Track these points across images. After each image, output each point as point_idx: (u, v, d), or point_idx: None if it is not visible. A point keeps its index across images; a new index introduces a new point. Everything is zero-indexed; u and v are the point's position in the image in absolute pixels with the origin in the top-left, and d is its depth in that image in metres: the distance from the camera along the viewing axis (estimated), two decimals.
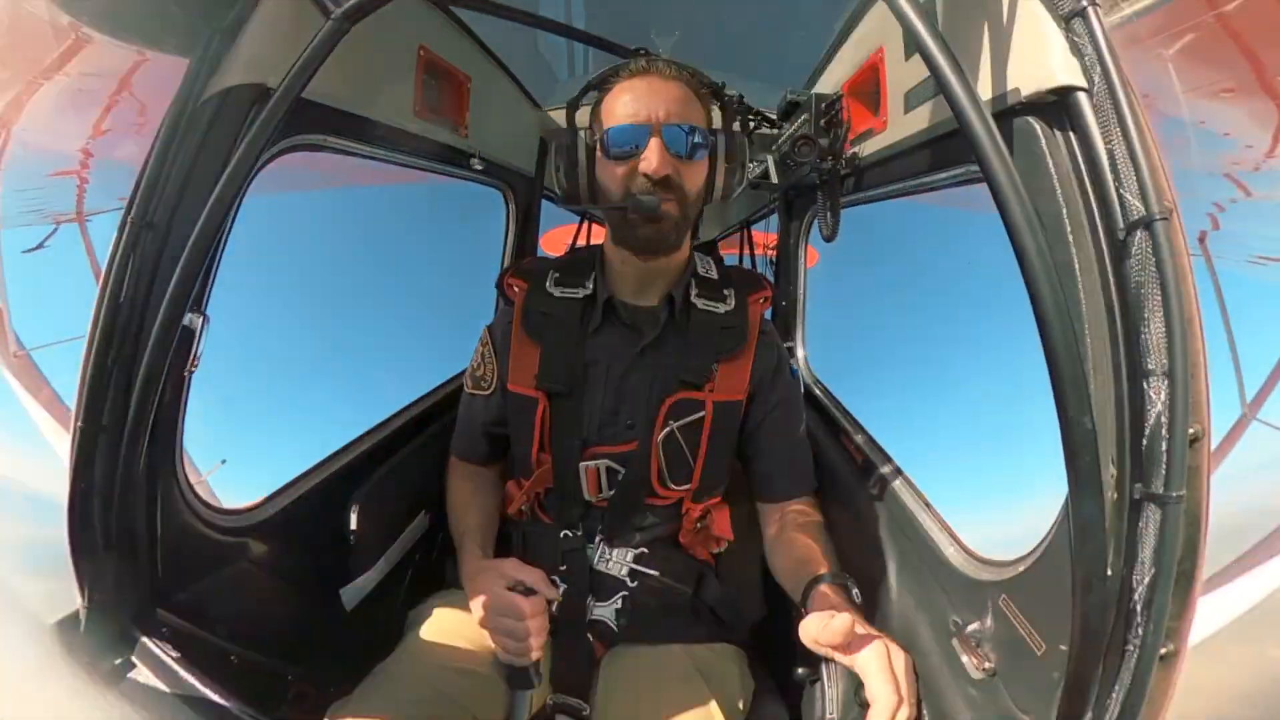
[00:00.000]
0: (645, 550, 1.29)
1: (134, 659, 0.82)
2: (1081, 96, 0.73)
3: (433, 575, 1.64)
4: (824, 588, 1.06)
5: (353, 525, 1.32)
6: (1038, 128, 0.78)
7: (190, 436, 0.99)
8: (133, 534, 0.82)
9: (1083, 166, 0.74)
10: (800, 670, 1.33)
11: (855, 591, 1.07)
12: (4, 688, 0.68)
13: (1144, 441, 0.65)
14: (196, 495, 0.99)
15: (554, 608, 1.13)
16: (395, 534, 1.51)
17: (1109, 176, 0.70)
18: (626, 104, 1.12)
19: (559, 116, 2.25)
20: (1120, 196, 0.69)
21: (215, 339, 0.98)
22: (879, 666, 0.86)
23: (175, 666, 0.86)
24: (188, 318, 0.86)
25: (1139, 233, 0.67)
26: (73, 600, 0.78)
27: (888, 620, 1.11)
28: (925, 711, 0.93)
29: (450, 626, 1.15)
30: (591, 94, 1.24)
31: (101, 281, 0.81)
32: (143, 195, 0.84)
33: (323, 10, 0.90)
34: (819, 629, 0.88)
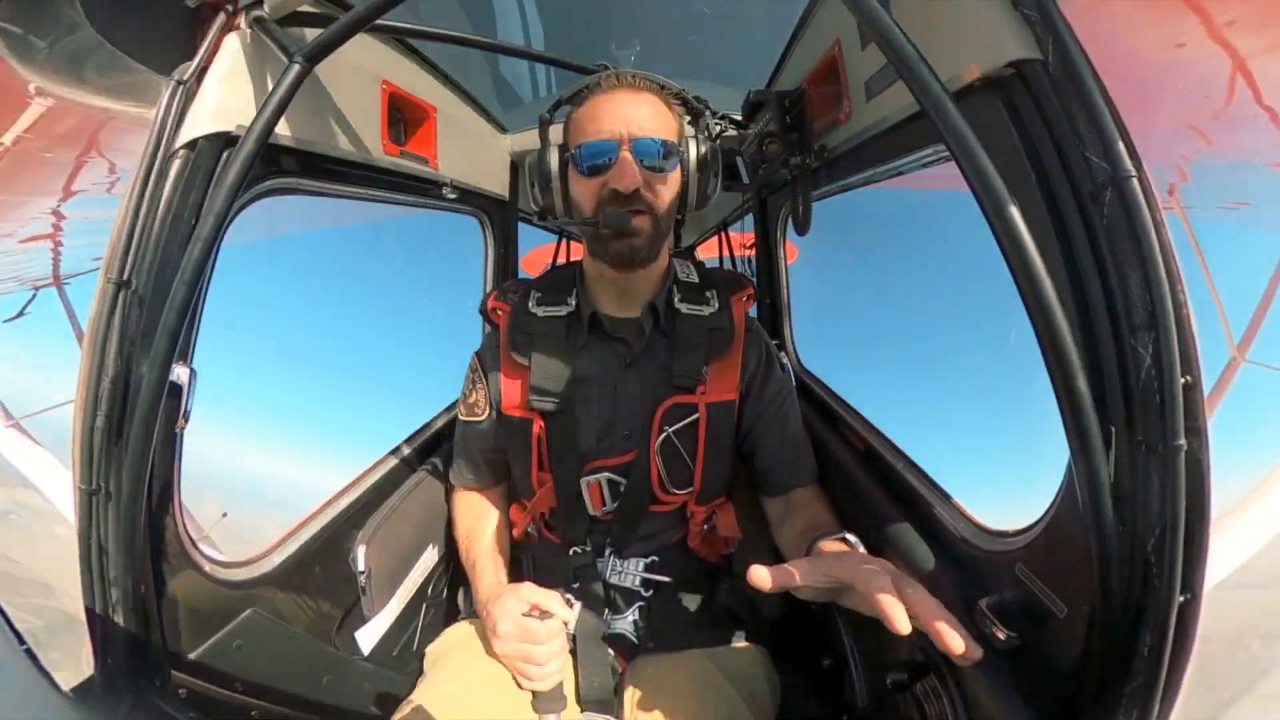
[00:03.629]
0: (656, 558, 1.28)
1: None
2: (1037, 68, 0.74)
3: (447, 608, 1.62)
4: (822, 544, 1.02)
5: (360, 566, 1.31)
6: (999, 101, 0.80)
7: (189, 491, 0.98)
8: (140, 596, 0.80)
9: (1046, 135, 0.75)
10: (826, 662, 1.32)
11: (857, 542, 1.03)
12: None
13: (1138, 395, 0.66)
14: (201, 551, 0.97)
15: (571, 627, 1.12)
16: (405, 571, 1.49)
17: (1073, 142, 0.71)
18: (597, 119, 1.12)
19: (526, 138, 2.26)
20: (1087, 160, 0.70)
21: (204, 390, 0.97)
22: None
23: None
24: (175, 372, 0.85)
25: (1108, 193, 0.68)
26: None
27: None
28: (954, 690, 0.92)
29: (471, 657, 1.14)
30: (564, 109, 1.23)
31: (85, 343, 0.80)
32: (118, 253, 0.83)
33: (284, 53, 0.90)
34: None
